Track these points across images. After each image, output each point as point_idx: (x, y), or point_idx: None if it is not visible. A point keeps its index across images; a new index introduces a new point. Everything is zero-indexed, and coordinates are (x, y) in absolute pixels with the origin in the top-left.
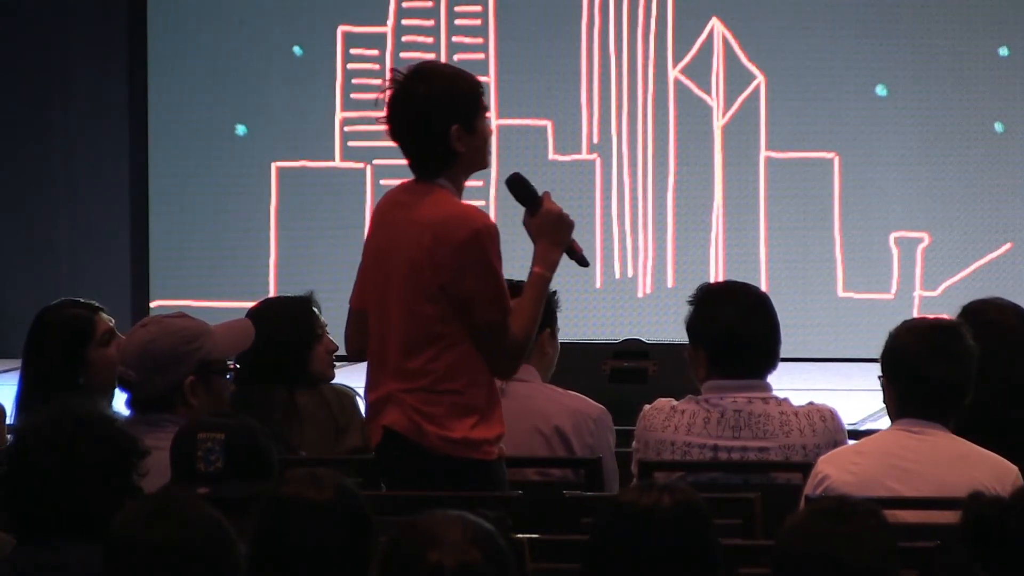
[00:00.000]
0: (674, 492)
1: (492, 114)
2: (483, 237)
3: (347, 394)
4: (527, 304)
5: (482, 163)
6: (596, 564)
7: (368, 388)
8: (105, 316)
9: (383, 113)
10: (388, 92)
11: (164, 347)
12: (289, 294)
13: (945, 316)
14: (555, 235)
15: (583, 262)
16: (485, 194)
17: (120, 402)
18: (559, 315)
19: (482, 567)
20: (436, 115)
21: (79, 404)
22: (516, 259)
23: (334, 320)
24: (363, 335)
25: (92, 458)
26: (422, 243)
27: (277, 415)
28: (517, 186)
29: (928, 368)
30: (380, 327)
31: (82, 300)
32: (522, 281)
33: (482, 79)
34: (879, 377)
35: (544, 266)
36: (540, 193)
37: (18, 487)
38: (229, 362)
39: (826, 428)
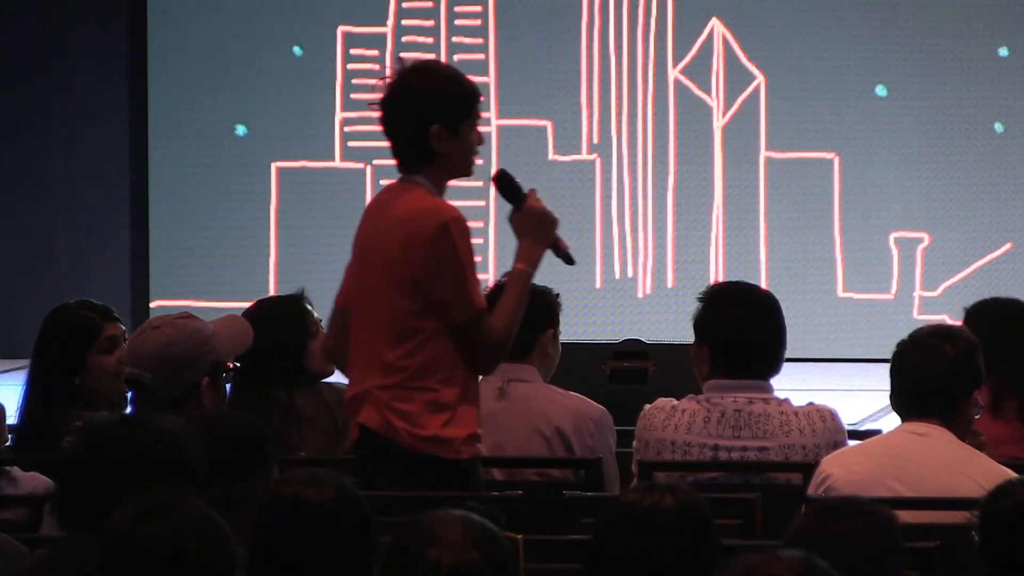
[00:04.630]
0: (676, 493)
1: (492, 114)
2: (452, 229)
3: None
4: (509, 301)
5: (464, 170)
6: (598, 564)
7: (349, 385)
8: (117, 324)
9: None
10: (387, 84)
11: (183, 349)
12: (282, 294)
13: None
14: (539, 232)
15: (569, 260)
16: (484, 194)
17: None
18: (560, 316)
19: (480, 567)
20: (419, 111)
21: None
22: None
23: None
24: (341, 334)
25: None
26: (395, 239)
27: (276, 416)
28: (503, 183)
29: (913, 368)
30: (360, 325)
31: (97, 303)
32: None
33: (482, 79)
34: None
35: (527, 263)
36: (525, 191)
37: (81, 476)
38: (229, 362)
39: (826, 428)
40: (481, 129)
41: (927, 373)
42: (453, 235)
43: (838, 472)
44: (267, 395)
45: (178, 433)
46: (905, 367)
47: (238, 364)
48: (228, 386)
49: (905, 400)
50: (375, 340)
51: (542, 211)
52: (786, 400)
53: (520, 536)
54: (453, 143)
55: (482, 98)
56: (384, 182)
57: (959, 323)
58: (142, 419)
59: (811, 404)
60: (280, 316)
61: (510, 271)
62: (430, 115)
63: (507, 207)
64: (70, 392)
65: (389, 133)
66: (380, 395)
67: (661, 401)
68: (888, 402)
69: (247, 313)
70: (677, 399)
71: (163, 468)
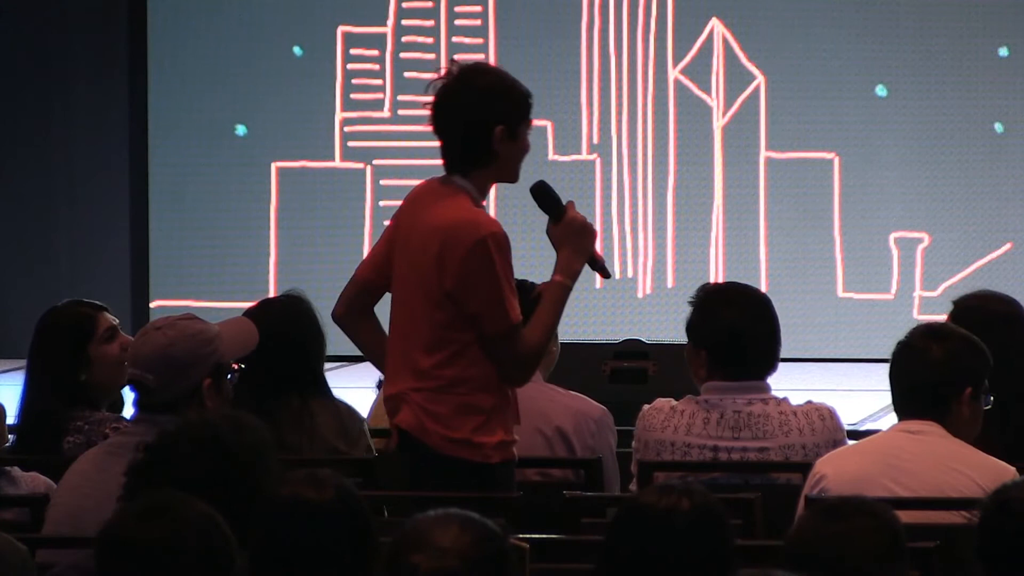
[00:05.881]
0: (693, 496)
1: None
2: (489, 244)
3: (357, 413)
4: (545, 313)
5: (512, 175)
6: (611, 565)
7: (386, 381)
8: (108, 315)
9: (383, 113)
10: (441, 81)
11: (184, 350)
12: (287, 296)
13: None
14: (578, 244)
15: (605, 272)
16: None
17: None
18: None
19: (459, 574)
20: (486, 110)
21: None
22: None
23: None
24: (352, 304)
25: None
26: (431, 248)
27: (286, 421)
28: (541, 194)
29: (904, 368)
30: (396, 324)
31: (86, 300)
32: (526, 281)
33: None
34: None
35: (566, 275)
36: (564, 202)
37: (150, 479)
38: (233, 363)
39: (825, 427)
40: None
41: (916, 373)
42: (491, 250)
43: (832, 472)
44: (281, 401)
45: (256, 451)
46: (898, 368)
47: (242, 365)
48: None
49: (899, 401)
50: (409, 344)
51: (583, 223)
52: (784, 399)
53: (527, 546)
54: (511, 146)
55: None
56: (384, 182)
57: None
58: (221, 431)
59: (809, 403)
60: (302, 319)
61: (547, 283)
62: (496, 115)
63: (509, 208)
64: (72, 391)
65: (444, 130)
66: (415, 397)
67: (660, 402)
68: (890, 401)
69: (255, 313)
70: (677, 399)
71: (233, 485)
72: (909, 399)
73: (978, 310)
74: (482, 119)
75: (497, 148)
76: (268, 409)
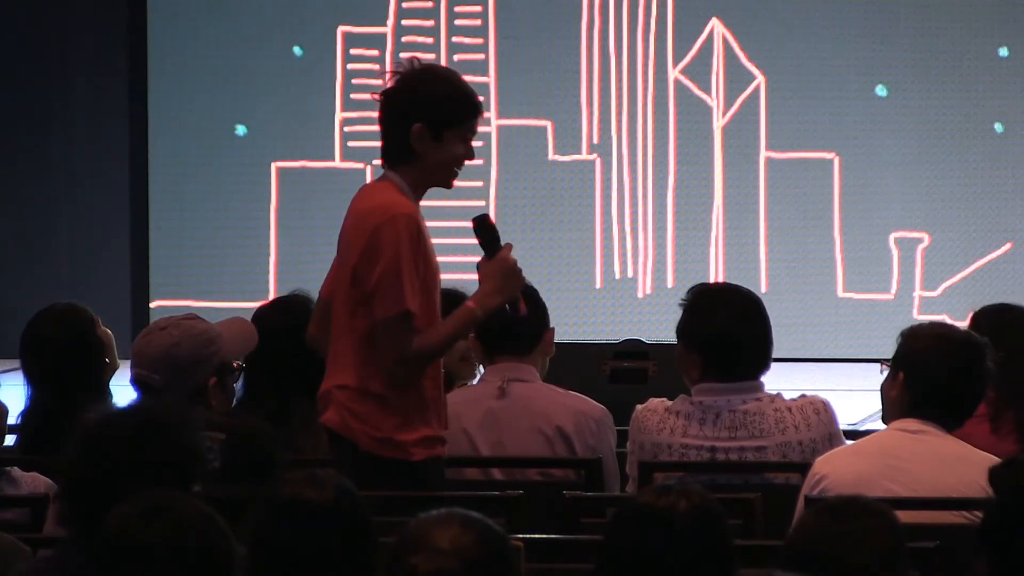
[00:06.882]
0: (691, 496)
1: (492, 114)
2: (399, 224)
3: None
4: (445, 328)
5: (441, 179)
6: (609, 565)
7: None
8: None
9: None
10: (391, 78)
11: (189, 350)
12: (294, 297)
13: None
14: (503, 284)
15: (520, 322)
16: (485, 194)
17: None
18: (553, 315)
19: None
20: (407, 106)
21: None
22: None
23: None
24: (321, 324)
25: (160, 458)
26: (349, 233)
27: (293, 422)
28: (482, 227)
29: (954, 382)
30: (334, 321)
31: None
32: (455, 290)
33: (482, 79)
34: (884, 363)
35: (479, 306)
36: (503, 243)
37: (82, 479)
38: (235, 363)
39: (820, 421)
40: (481, 129)
41: (965, 392)
42: (399, 229)
43: (832, 473)
44: (287, 401)
45: (184, 428)
46: (917, 364)
47: (243, 364)
48: (238, 386)
49: (925, 404)
50: (339, 337)
51: (513, 267)
52: (778, 395)
53: (521, 545)
54: (434, 147)
55: (484, 115)
56: None
57: (961, 323)
58: (147, 417)
59: (803, 396)
60: (293, 317)
61: (459, 307)
62: (416, 112)
63: (506, 208)
64: (85, 386)
65: (380, 123)
66: (339, 395)
67: (653, 402)
68: None
69: (266, 315)
70: (672, 399)
71: (170, 468)
72: (924, 400)
73: (997, 325)
74: (402, 114)
75: (415, 146)
76: (280, 410)
